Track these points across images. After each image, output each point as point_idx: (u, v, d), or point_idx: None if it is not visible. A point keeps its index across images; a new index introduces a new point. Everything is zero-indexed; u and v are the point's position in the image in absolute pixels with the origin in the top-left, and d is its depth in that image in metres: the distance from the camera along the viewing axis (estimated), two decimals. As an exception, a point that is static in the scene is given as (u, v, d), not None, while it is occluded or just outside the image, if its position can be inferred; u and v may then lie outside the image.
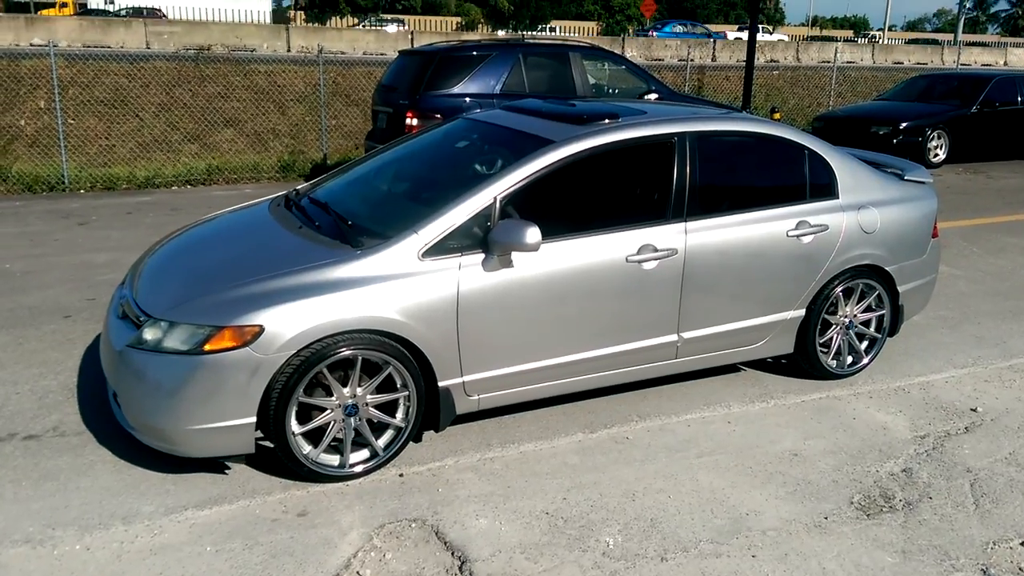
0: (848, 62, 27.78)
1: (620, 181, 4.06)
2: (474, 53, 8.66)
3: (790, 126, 4.62)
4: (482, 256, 3.51)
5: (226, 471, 3.46)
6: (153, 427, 3.21)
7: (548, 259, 3.63)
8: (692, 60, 15.71)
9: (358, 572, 2.89)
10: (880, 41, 44.41)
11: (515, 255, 3.55)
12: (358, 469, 3.45)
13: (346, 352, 3.27)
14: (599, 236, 3.78)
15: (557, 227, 3.70)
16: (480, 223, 3.54)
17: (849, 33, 66.93)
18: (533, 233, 3.40)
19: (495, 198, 3.57)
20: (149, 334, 3.23)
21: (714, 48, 28.40)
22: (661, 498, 3.43)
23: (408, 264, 3.41)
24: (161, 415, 3.17)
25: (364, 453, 3.49)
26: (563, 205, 3.87)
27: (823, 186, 4.45)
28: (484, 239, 3.52)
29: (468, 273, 3.48)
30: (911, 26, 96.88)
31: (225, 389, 3.13)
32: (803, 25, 76.24)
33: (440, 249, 3.46)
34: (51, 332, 4.92)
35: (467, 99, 8.32)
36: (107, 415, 3.76)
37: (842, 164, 4.53)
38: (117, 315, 3.55)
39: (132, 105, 13.22)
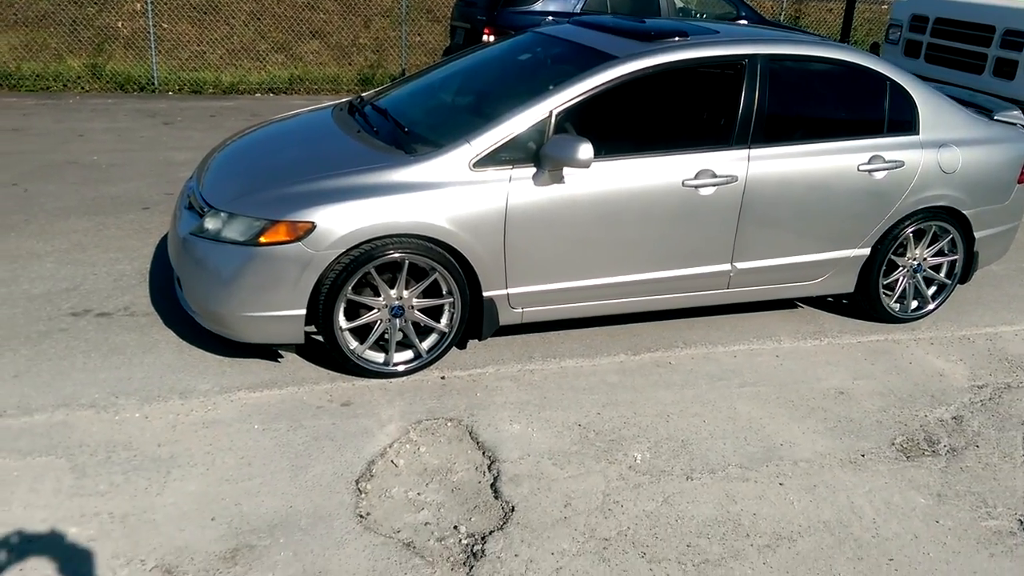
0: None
1: (683, 102, 3.95)
2: (557, -31, 8.43)
3: (875, 55, 4.37)
4: (533, 170, 3.50)
5: (279, 359, 3.64)
6: (211, 312, 3.39)
7: (601, 177, 3.60)
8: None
9: (392, 460, 3.03)
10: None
11: (567, 171, 3.53)
12: (401, 368, 3.57)
13: (394, 255, 3.35)
14: (656, 158, 3.71)
15: (613, 146, 3.65)
16: (534, 137, 3.52)
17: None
18: (585, 149, 3.37)
19: (551, 112, 3.53)
20: (210, 223, 3.38)
21: (821, -22, 26.77)
22: (695, 422, 3.44)
23: (459, 173, 3.43)
24: (218, 301, 3.33)
25: (408, 354, 3.61)
26: (621, 123, 3.80)
27: (903, 121, 4.22)
28: (537, 153, 3.50)
29: (518, 186, 3.48)
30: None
31: (277, 281, 3.26)
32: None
33: (492, 160, 3.47)
34: (130, 221, 5.18)
35: (547, 17, 8.15)
36: (174, 300, 3.98)
37: (926, 98, 4.28)
38: (185, 206, 3.72)
39: (223, 12, 13.43)
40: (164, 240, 4.89)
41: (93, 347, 3.63)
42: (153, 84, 9.80)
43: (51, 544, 2.48)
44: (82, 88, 9.56)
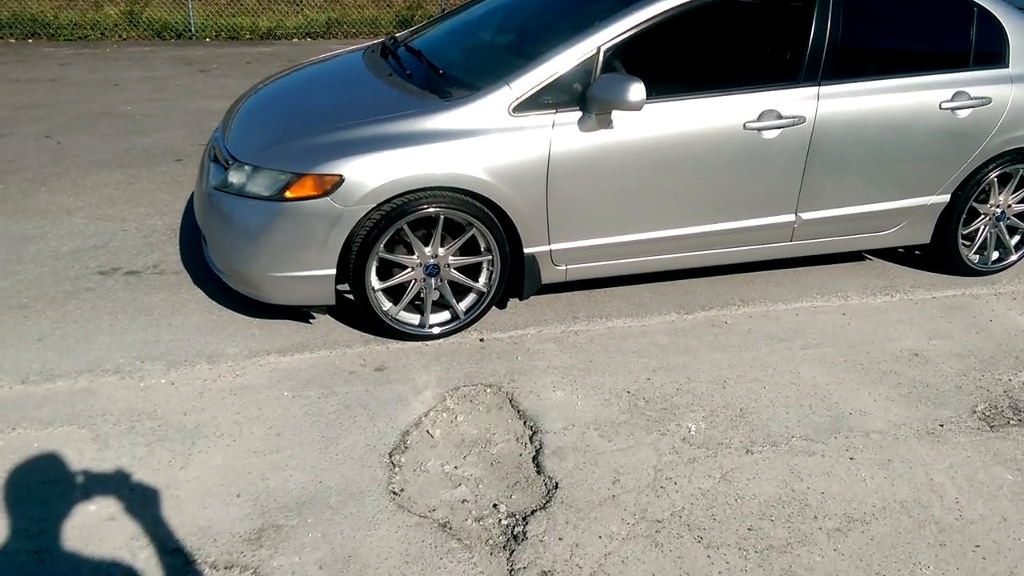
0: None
1: (746, 35, 3.58)
2: None
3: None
4: (579, 114, 3.20)
5: (310, 321, 3.47)
6: (237, 271, 3.21)
7: (653, 121, 3.28)
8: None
9: (428, 431, 2.84)
10: None
11: (616, 115, 3.23)
12: (437, 330, 3.37)
13: (428, 210, 3.11)
14: (714, 98, 3.37)
15: (667, 85, 3.32)
16: (580, 77, 3.21)
17: None
18: (637, 90, 3.05)
19: (598, 49, 3.21)
20: (234, 177, 3.17)
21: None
22: (755, 388, 3.18)
23: (498, 119, 3.15)
24: (245, 259, 3.15)
25: (445, 315, 3.40)
26: (676, 61, 3.46)
27: (991, 52, 3.79)
28: (583, 95, 3.20)
29: (562, 132, 3.19)
30: None
31: (305, 238, 3.06)
32: None
33: (533, 104, 3.18)
34: (162, 174, 5.03)
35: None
36: (203, 257, 3.81)
37: (1017, 26, 3.83)
38: (211, 158, 3.52)
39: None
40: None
41: (120, 308, 3.49)
42: (190, 30, 9.61)
43: (68, 522, 2.36)
44: (119, 36, 9.42)
